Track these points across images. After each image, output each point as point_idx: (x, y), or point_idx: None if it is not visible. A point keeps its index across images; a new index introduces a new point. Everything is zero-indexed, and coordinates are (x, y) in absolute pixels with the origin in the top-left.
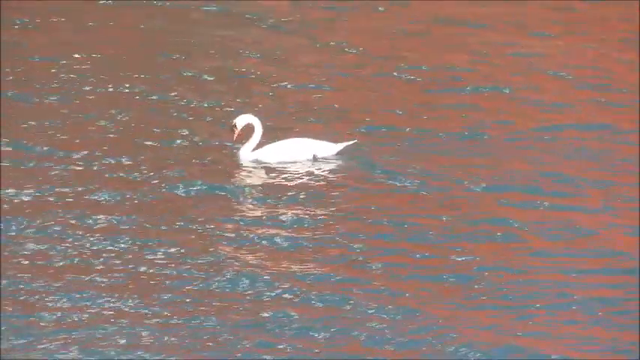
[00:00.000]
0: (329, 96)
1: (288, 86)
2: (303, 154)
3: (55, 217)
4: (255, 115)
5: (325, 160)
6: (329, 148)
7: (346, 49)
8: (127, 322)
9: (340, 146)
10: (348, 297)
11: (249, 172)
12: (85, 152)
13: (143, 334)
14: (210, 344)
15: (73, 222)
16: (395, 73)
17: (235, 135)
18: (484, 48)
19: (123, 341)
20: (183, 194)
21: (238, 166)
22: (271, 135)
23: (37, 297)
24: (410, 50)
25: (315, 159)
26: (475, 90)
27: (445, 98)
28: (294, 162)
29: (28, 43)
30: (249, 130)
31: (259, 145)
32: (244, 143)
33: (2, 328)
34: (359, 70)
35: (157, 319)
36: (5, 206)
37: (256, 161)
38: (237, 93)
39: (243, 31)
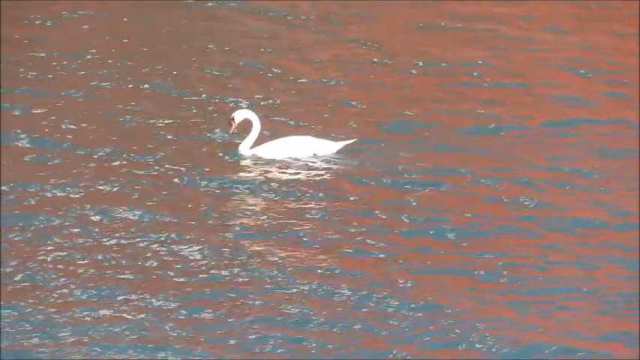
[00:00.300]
0: (347, 91)
1: (307, 82)
2: (303, 152)
3: (76, 213)
4: (254, 111)
5: (326, 158)
6: (329, 147)
7: (364, 46)
8: (146, 317)
9: (340, 145)
10: (369, 293)
11: (261, 168)
12: (105, 148)
13: (164, 330)
14: (231, 340)
15: (94, 218)
16: (413, 71)
17: (232, 128)
18: (501, 44)
19: (143, 337)
20: (203, 190)
21: (250, 162)
22: (287, 130)
23: (57, 293)
24: (428, 46)
25: (315, 157)
26: (492, 85)
27: (462, 94)
28: (295, 160)
29: (48, 39)
30: (248, 126)
31: (261, 141)
32: (244, 138)
33: (27, 326)
34: (376, 66)
35: (178, 315)
36: (25, 203)
37: (256, 158)
38: (257, 89)
39: (263, 28)
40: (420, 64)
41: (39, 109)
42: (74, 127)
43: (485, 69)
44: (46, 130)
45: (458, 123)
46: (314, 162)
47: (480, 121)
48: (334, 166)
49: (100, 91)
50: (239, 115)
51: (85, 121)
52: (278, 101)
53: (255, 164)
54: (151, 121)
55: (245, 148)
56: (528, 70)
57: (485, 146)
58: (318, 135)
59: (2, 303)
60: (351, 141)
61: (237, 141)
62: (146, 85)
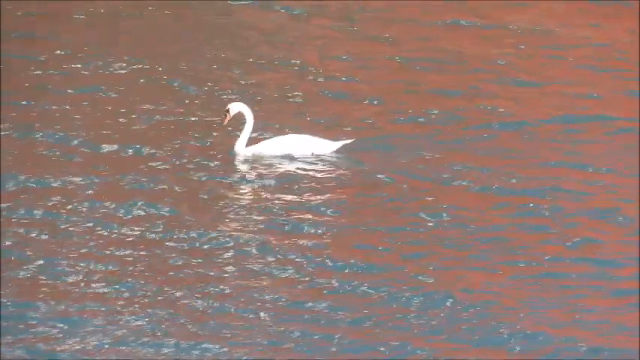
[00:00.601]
0: (364, 88)
1: (327, 79)
2: (301, 151)
3: (99, 210)
4: (248, 105)
5: (329, 157)
6: (327, 146)
7: (386, 42)
8: (168, 313)
9: (339, 144)
10: (390, 289)
11: (270, 166)
12: (128, 145)
13: (186, 326)
14: (254, 336)
15: (116, 214)
16: (430, 67)
17: (226, 120)
18: (519, 41)
19: (166, 333)
20: (223, 187)
21: (257, 161)
22: (305, 126)
23: (79, 289)
24: (446, 43)
25: (312, 156)
26: (510, 83)
27: (480, 91)
28: (294, 159)
29: (70, 38)
30: (245, 121)
31: (257, 140)
32: (239, 134)
33: (50, 323)
34: (394, 62)
35: (200, 311)
36: (48, 199)
37: (253, 156)
38: (278, 84)
39: (284, 25)
40: (438, 61)
41: (62, 106)
42: (95, 124)
43: (503, 66)
44: (69, 127)
45: (475, 120)
46: (320, 161)
47: (498, 119)
48: (345, 164)
49: (121, 88)
50: (234, 108)
51: (106, 118)
52: (298, 99)
53: (263, 162)
54: (172, 117)
55: (241, 146)
56: (545, 68)
57: (502, 143)
58: (318, 134)
59: (26, 299)
60: (350, 140)
61: (252, 135)
62: (166, 82)
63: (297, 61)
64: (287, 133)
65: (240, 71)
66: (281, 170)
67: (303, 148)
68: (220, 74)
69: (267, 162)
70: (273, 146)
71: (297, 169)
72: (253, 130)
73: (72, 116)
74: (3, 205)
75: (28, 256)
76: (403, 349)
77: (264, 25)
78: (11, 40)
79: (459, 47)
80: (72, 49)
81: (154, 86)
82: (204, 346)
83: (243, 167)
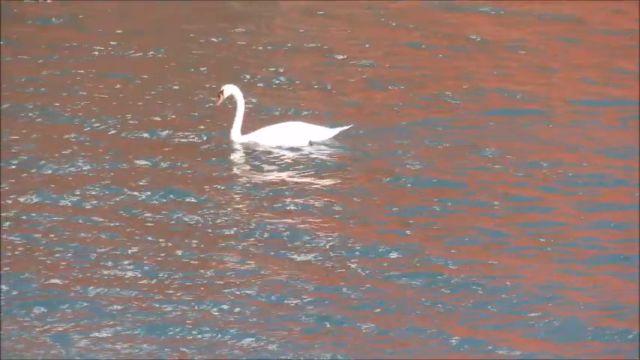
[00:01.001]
0: (389, 74)
1: (351, 64)
2: (298, 139)
3: (124, 193)
4: (240, 89)
5: (322, 144)
6: (324, 133)
7: (409, 28)
8: (191, 298)
9: (336, 131)
10: (424, 273)
11: (285, 152)
12: (152, 130)
13: (214, 313)
14: (286, 322)
15: (149, 201)
16: (454, 53)
17: (219, 101)
18: (543, 29)
19: (188, 318)
20: (248, 173)
21: (269, 147)
22: (329, 110)
23: (91, 271)
24: (470, 29)
25: (310, 144)
26: (531, 68)
27: (503, 76)
28: (293, 147)
29: (98, 26)
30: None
31: (253, 128)
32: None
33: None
34: (419, 49)
35: (227, 298)
36: (61, 182)
37: (250, 144)
38: (302, 70)
39: (308, 10)
40: (462, 47)
41: (88, 93)
42: (121, 110)
43: (526, 52)
44: (94, 113)
45: (498, 105)
46: (337, 147)
47: (521, 105)
48: (357, 150)
49: (146, 76)
50: (227, 90)
51: (133, 105)
52: (322, 85)
53: (279, 150)
54: (198, 106)
55: (236, 134)
56: (568, 53)
57: (525, 128)
58: (342, 119)
59: (54, 287)
60: (347, 127)
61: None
62: (193, 71)
63: (321, 48)
64: (302, 120)
65: (263, 58)
66: (298, 157)
67: (300, 136)
68: (244, 61)
69: (284, 149)
70: (270, 134)
71: (314, 156)
72: (280, 116)
73: (98, 103)
74: (29, 192)
75: (55, 242)
76: (433, 336)
77: (287, 11)
78: (37, 27)
79: (482, 33)
80: (99, 36)
81: (178, 74)
82: (232, 332)
83: (262, 155)
